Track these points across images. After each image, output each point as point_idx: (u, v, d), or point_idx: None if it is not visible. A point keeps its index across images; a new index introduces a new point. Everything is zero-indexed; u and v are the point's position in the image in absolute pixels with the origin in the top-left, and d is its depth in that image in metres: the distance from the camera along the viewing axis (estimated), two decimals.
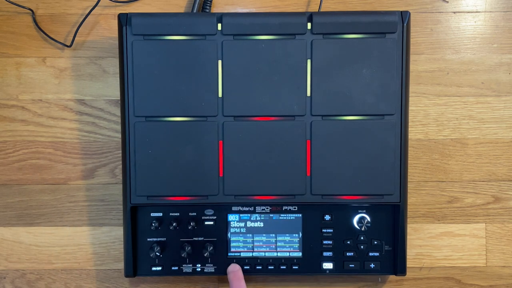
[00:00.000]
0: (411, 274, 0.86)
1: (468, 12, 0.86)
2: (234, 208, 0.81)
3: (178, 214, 0.81)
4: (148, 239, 0.81)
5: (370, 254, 0.81)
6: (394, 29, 0.77)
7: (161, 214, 0.81)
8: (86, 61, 0.86)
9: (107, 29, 0.86)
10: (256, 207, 0.81)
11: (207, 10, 0.84)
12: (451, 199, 0.86)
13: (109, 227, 0.86)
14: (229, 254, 0.82)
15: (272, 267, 0.81)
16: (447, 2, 0.86)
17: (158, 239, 0.81)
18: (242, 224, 0.82)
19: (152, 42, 0.77)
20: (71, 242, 0.86)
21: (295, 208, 0.81)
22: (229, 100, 0.77)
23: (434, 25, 0.86)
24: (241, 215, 0.81)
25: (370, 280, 0.86)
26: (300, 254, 0.81)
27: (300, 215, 0.81)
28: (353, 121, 0.78)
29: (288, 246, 0.81)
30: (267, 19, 0.77)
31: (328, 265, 0.81)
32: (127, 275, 0.81)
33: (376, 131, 0.78)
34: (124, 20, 0.77)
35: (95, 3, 0.85)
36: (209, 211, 0.81)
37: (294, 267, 0.81)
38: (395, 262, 0.81)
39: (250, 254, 0.82)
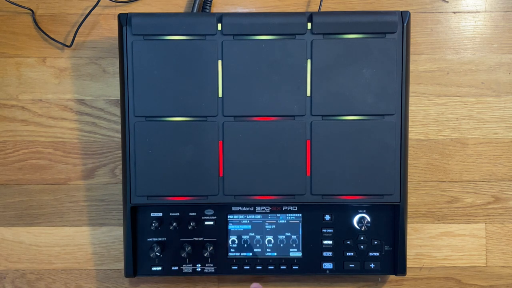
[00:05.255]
0: (411, 274, 0.86)
1: (468, 12, 0.86)
2: (234, 208, 0.81)
3: (178, 214, 0.81)
4: (148, 239, 0.81)
5: (370, 254, 0.81)
6: (394, 29, 0.77)
7: (161, 214, 0.81)
8: (86, 61, 0.86)
9: (107, 29, 0.86)
10: (256, 207, 0.81)
11: (207, 10, 0.84)
12: (451, 199, 0.86)
13: (109, 227, 0.86)
14: (229, 254, 0.82)
15: (272, 267, 0.81)
16: (447, 2, 0.86)
17: (158, 239, 0.81)
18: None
19: (152, 42, 0.77)
20: (71, 242, 0.86)
21: (295, 208, 0.81)
22: (229, 100, 0.77)
23: (434, 25, 0.86)
24: (241, 215, 0.81)
25: (370, 280, 0.86)
26: (300, 254, 0.81)
27: (300, 215, 0.81)
28: (353, 121, 0.78)
29: (288, 246, 0.81)
30: (267, 19, 0.77)
31: (328, 265, 0.81)
32: (127, 275, 0.81)
33: (376, 131, 0.78)
34: (124, 20, 0.77)
35: (95, 3, 0.85)
36: (209, 211, 0.81)
37: (294, 267, 0.81)
38: (395, 262, 0.81)
39: (250, 254, 0.82)
